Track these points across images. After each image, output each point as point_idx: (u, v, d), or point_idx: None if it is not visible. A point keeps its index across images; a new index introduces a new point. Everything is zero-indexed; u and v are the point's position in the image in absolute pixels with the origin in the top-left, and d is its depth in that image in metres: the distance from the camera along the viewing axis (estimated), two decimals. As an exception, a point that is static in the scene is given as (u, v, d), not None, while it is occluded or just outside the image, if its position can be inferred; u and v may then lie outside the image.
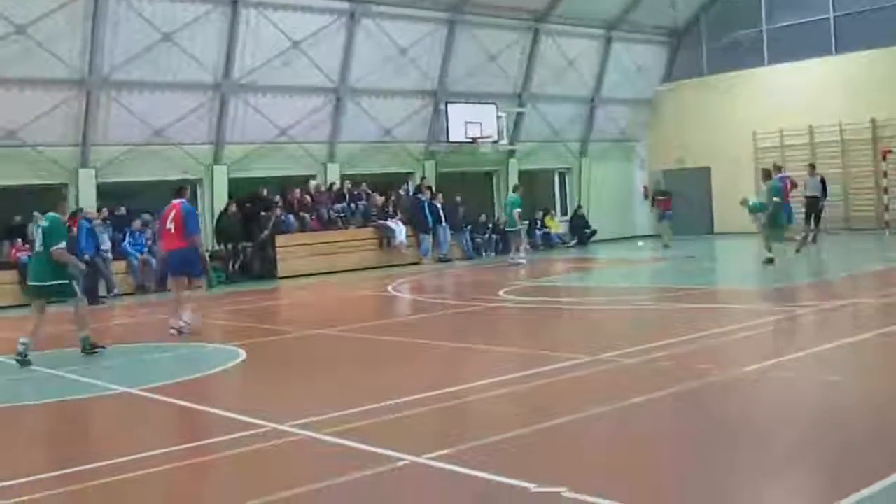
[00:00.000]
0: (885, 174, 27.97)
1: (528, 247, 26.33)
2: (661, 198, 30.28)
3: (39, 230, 12.25)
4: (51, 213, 12.39)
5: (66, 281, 12.19)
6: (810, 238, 23.72)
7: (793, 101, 30.32)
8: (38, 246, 12.25)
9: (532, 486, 5.48)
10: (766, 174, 20.49)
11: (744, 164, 31.59)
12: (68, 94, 22.38)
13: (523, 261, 24.36)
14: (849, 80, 29.21)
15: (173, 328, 13.75)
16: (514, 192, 25.92)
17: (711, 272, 21.84)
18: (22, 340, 11.69)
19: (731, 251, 27.25)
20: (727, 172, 32.17)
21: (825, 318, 12.65)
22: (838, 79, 29.50)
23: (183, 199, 14.17)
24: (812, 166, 25.86)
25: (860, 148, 29.51)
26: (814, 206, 24.66)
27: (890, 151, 27.95)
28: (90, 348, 12.35)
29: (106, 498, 6.08)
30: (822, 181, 25.38)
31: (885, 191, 27.97)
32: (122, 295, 21.44)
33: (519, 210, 24.80)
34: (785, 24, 31.35)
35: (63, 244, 12.07)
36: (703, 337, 10.96)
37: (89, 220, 21.07)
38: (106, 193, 23.44)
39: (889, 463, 5.60)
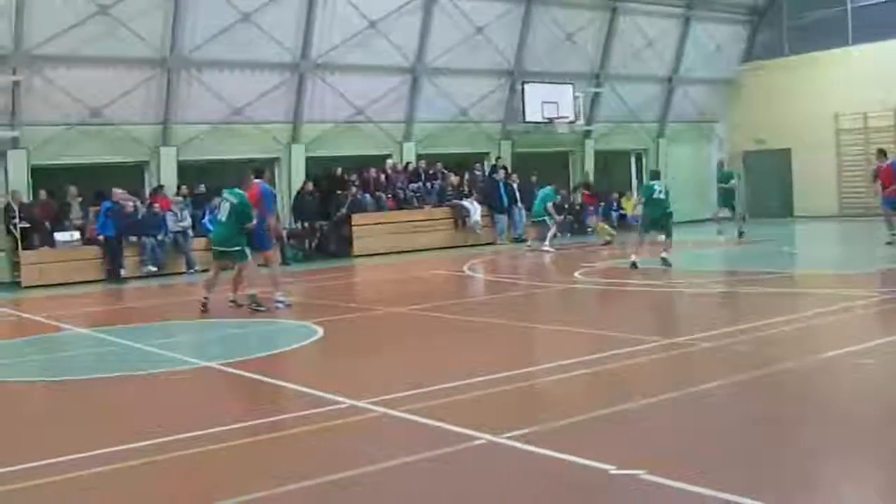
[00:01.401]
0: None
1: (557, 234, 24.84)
2: (586, 192, 28.68)
3: (227, 203, 13.89)
4: (237, 190, 14.08)
5: (241, 248, 13.79)
6: None
7: (877, 83, 29.52)
8: (222, 216, 14.04)
9: (611, 468, 5.47)
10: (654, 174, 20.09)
11: (825, 147, 31.01)
12: (150, 73, 22.77)
13: (550, 249, 23.22)
14: (937, 60, 28.37)
15: (279, 302, 14.16)
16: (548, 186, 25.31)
17: (791, 256, 21.47)
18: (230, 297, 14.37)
19: (811, 235, 26.78)
20: (808, 155, 31.59)
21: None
22: (926, 59, 28.67)
23: (261, 180, 14.53)
24: None
25: (947, 130, 28.71)
26: None
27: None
28: (256, 305, 13.78)
29: (185, 470, 6.19)
30: None
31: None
32: (203, 271, 21.80)
33: (551, 203, 24.03)
34: (869, 2, 30.54)
35: (254, 219, 13.85)
36: (782, 322, 10.79)
37: (112, 202, 21.24)
38: (186, 171, 23.83)
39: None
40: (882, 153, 21.53)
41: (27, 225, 20.91)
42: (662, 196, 18.01)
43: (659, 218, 18.00)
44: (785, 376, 8.10)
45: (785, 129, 31.81)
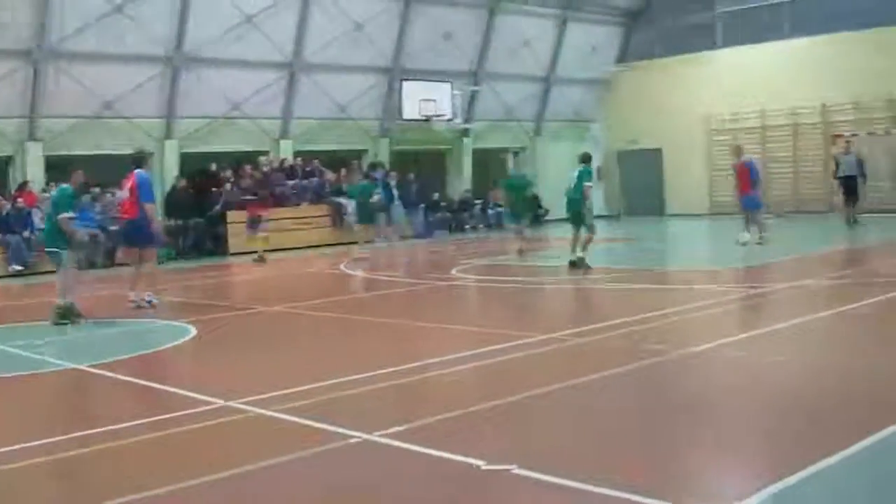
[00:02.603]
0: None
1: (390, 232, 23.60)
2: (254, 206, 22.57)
3: (50, 199, 13.16)
4: (62, 185, 13.07)
5: (59, 250, 12.60)
6: (852, 219, 23.39)
7: (745, 85, 30.54)
8: (47, 212, 13.17)
9: (482, 464, 5.49)
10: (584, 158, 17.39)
11: (696, 146, 31.87)
12: (16, 65, 21.99)
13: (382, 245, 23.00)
14: (801, 64, 29.49)
15: (132, 301, 13.65)
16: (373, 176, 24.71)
17: (662, 253, 21.99)
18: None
19: (682, 233, 27.48)
20: (679, 154, 32.44)
21: (774, 299, 12.81)
22: (790, 63, 29.77)
23: (139, 169, 13.99)
24: (847, 143, 24.95)
25: (810, 132, 29.86)
26: (851, 187, 23.70)
27: (840, 136, 28.25)
28: (60, 318, 12.41)
29: (52, 476, 6.01)
30: (859, 160, 24.14)
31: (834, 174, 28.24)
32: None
33: (378, 194, 23.35)
34: (738, 7, 31.57)
35: (68, 213, 12.55)
36: (655, 316, 11.03)
37: None
38: (54, 167, 23.05)
39: (829, 443, 5.67)
40: (737, 149, 21.17)
41: None
42: (571, 186, 16.78)
43: (570, 213, 16.84)
44: (659, 369, 8.27)
45: (657, 129, 32.62)
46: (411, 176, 28.67)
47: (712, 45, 32.08)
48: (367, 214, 22.47)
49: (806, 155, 29.94)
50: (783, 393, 7.36)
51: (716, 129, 31.77)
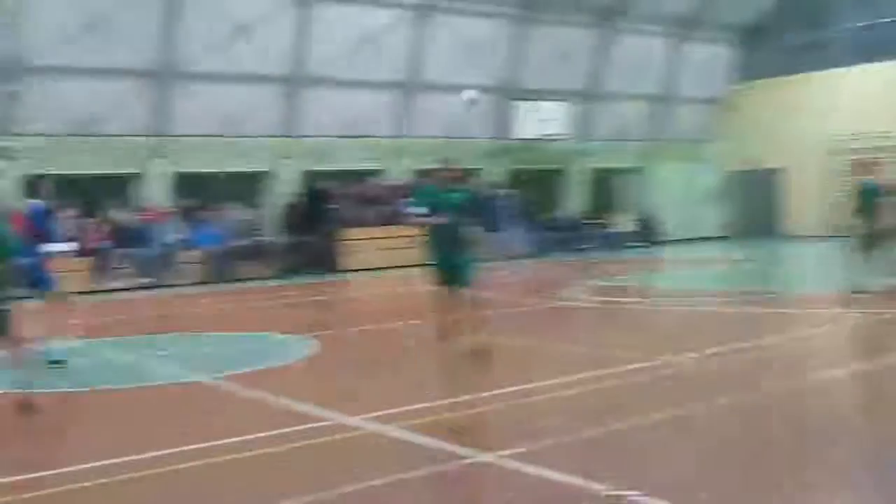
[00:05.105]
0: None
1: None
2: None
3: None
4: None
5: None
6: None
7: (868, 104, 29.58)
8: None
9: (603, 489, 5.44)
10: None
11: (816, 167, 30.98)
12: None
13: None
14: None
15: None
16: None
17: (780, 276, 21.42)
18: None
19: (801, 255, 26.73)
20: (799, 174, 31.60)
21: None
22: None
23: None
24: None
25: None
26: None
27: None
28: None
29: (183, 484, 6.14)
30: None
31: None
32: None
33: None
34: (862, 23, 30.59)
35: None
36: (772, 343, 10.76)
37: None
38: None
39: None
40: (870, 168, 17.01)
41: None
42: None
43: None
44: (770, 398, 8.03)
45: (776, 148, 31.73)
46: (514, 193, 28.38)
47: (836, 64, 31.04)
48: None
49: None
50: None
51: (837, 150, 30.74)
